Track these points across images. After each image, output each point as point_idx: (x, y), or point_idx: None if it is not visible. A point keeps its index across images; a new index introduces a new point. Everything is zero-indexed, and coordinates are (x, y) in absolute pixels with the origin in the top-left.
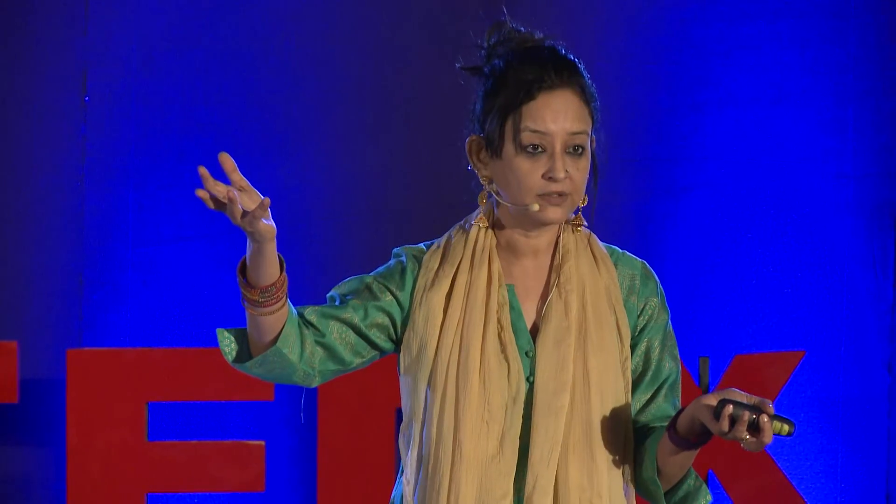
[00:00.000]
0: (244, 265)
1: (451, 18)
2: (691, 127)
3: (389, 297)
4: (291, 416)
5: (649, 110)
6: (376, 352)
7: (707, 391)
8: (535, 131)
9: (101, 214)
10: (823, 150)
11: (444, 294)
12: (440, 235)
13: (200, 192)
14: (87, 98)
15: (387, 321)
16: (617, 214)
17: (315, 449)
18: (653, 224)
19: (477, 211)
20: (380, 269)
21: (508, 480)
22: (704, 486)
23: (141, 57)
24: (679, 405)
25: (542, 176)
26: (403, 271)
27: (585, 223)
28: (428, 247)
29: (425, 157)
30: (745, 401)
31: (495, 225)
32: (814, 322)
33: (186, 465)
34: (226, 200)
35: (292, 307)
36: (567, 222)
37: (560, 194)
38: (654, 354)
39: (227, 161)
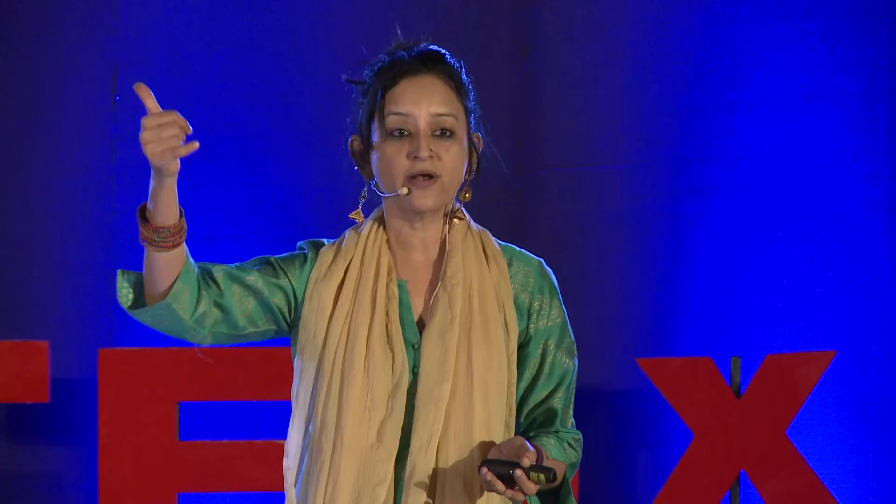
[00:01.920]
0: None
1: (481, 21)
2: (721, 127)
3: (286, 281)
4: None
5: (679, 110)
6: (272, 326)
7: (738, 391)
8: (397, 114)
9: (132, 214)
10: (854, 150)
11: (336, 286)
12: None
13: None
14: (118, 98)
15: (283, 301)
16: (647, 214)
17: None
18: (683, 224)
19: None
20: (283, 254)
21: (387, 466)
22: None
23: (171, 56)
24: (570, 403)
25: (407, 156)
26: (304, 261)
27: (473, 224)
28: (324, 242)
29: None
30: (503, 457)
31: (386, 221)
32: (845, 322)
33: (217, 465)
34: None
35: (193, 263)
36: (453, 216)
37: (427, 176)
38: (550, 354)
39: (143, 89)
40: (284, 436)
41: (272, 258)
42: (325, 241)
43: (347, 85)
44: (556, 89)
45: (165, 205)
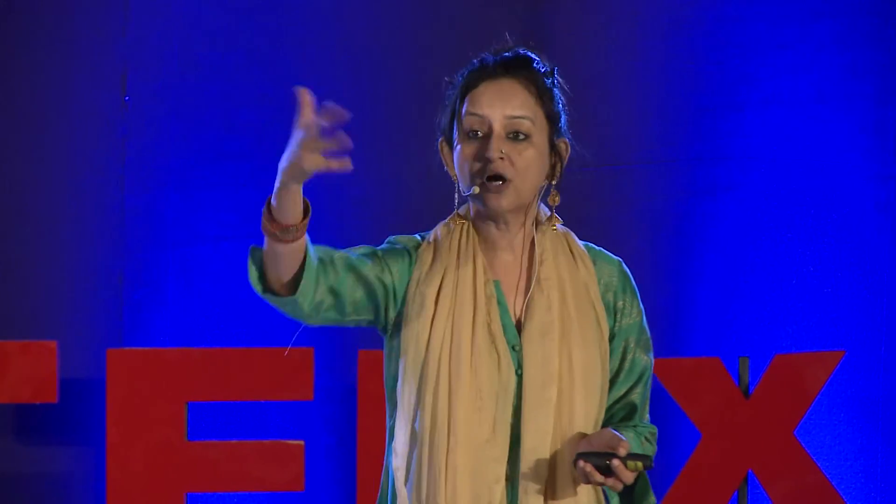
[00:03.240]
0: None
1: (491, 20)
2: (732, 127)
3: (390, 279)
4: (331, 415)
5: (690, 110)
6: (370, 317)
7: (747, 392)
8: (473, 114)
9: (141, 215)
10: (864, 150)
11: (436, 287)
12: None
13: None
14: (127, 98)
15: (384, 296)
16: (657, 214)
17: (354, 448)
18: (693, 224)
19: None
20: (386, 247)
21: (501, 466)
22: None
23: (181, 57)
24: (647, 398)
25: (479, 158)
26: (408, 261)
27: (561, 221)
28: (422, 238)
29: None
30: (598, 449)
31: (474, 221)
32: (854, 322)
33: (226, 465)
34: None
35: (312, 251)
36: (540, 221)
37: (497, 178)
38: (630, 352)
39: (305, 95)
40: (293, 436)
41: (379, 252)
42: (416, 237)
43: (358, 84)
44: (567, 90)
45: (293, 206)
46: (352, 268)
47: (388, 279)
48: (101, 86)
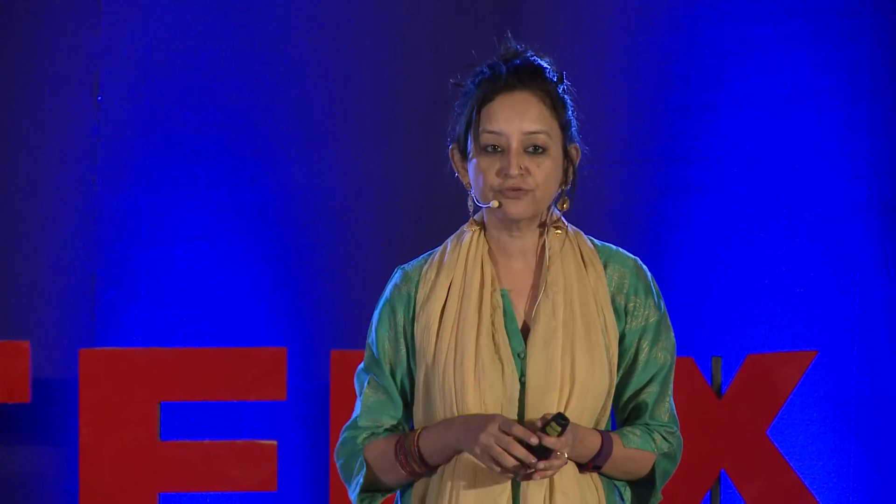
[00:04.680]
0: (418, 439)
1: (464, 20)
2: (704, 127)
3: (404, 350)
4: (304, 415)
5: (663, 110)
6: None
7: (720, 391)
8: (490, 132)
9: (113, 215)
10: (837, 150)
11: (441, 303)
12: (450, 235)
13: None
14: (100, 98)
15: (407, 362)
16: (630, 214)
17: (327, 448)
18: (665, 224)
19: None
20: (374, 322)
21: (507, 478)
22: (672, 465)
23: (154, 57)
24: (668, 396)
25: (498, 173)
26: (408, 306)
27: (569, 227)
28: (427, 258)
29: (437, 157)
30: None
31: (485, 229)
32: (826, 322)
33: (198, 465)
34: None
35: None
36: (552, 225)
37: (517, 189)
38: (643, 352)
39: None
40: (265, 436)
41: (383, 363)
42: (420, 259)
43: (334, 85)
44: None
45: (444, 460)
46: (396, 414)
47: (401, 356)
48: (73, 85)
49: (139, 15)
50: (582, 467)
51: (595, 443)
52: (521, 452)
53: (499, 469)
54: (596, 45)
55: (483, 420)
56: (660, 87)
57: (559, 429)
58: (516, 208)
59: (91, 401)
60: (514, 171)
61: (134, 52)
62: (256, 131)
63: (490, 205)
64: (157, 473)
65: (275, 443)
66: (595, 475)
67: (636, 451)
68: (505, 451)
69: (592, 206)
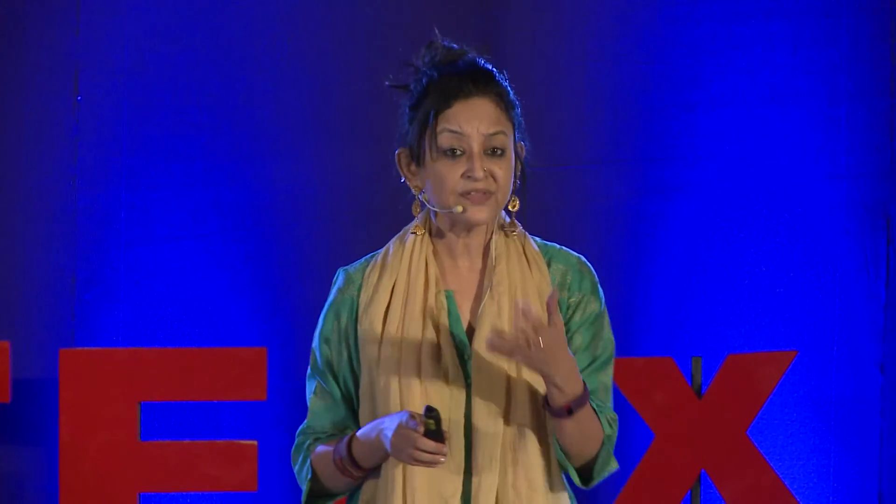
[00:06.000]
0: (350, 443)
1: (444, 20)
2: (683, 127)
3: (346, 354)
4: (284, 415)
5: (641, 110)
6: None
7: (699, 391)
8: (452, 132)
9: (93, 214)
10: (816, 150)
11: (384, 305)
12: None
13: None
14: (79, 98)
15: (350, 363)
16: (609, 214)
17: None
18: (644, 224)
19: (413, 221)
20: (318, 327)
21: (457, 479)
22: (612, 457)
23: (133, 57)
24: (611, 390)
25: (462, 176)
26: (338, 316)
27: (520, 226)
28: (369, 261)
29: None
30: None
31: (433, 233)
32: (806, 322)
33: (179, 465)
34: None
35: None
36: (501, 227)
37: (482, 192)
38: (587, 342)
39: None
40: (246, 436)
41: (322, 354)
42: (362, 261)
43: (311, 85)
44: (517, 90)
45: (376, 461)
46: (341, 419)
47: (345, 359)
48: (52, 86)
49: (118, 15)
50: (556, 413)
51: (579, 385)
52: (430, 445)
53: (420, 464)
54: (575, 45)
55: (392, 421)
56: (638, 88)
57: (432, 422)
58: (480, 214)
59: (71, 401)
60: (479, 173)
61: (113, 52)
62: (235, 131)
63: (454, 210)
64: (137, 473)
65: (255, 443)
66: (544, 476)
67: (595, 419)
68: (415, 448)
69: (571, 206)
